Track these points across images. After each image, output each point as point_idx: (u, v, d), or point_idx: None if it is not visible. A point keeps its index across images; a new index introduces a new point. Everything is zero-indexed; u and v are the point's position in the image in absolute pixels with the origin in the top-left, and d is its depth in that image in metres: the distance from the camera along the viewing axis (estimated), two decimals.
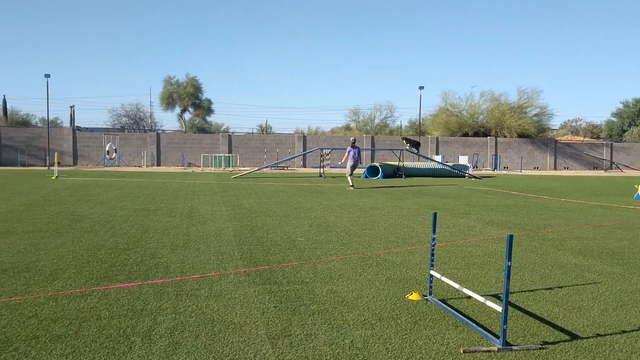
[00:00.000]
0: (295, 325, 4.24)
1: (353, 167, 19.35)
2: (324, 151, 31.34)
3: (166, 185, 19.29)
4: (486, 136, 46.19)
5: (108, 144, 37.96)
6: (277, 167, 36.56)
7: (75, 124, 46.29)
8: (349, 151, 19.44)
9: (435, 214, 5.02)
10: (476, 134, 47.83)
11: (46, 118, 42.48)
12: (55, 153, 29.02)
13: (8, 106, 55.89)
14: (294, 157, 36.05)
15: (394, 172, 27.56)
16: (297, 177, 26.74)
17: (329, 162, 33.83)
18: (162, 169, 35.94)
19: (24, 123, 55.63)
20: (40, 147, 38.41)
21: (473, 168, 34.61)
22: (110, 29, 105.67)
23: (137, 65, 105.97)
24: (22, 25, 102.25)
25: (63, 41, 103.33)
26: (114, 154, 37.89)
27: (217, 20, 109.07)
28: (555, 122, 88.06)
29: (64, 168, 34.09)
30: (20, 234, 8.25)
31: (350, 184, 18.88)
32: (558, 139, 54.53)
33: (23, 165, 37.57)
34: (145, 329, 4.12)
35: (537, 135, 47.80)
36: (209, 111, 64.41)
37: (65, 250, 7.06)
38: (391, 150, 32.50)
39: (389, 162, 29.53)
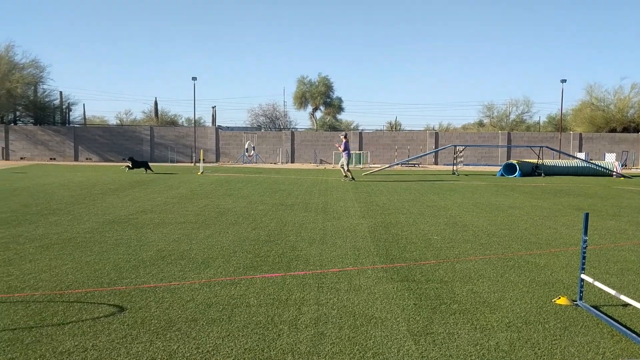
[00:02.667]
0: (437, 324, 4.21)
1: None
2: (457, 148, 30.59)
3: (300, 181, 19.94)
4: (637, 132, 42.29)
5: (247, 142, 40.00)
6: (409, 164, 36.29)
7: (217, 124, 49.30)
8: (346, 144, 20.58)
9: (587, 215, 4.71)
10: (625, 130, 43.98)
11: (191, 118, 45.69)
12: (201, 150, 31.14)
13: (159, 107, 60.91)
14: (426, 155, 35.55)
15: (532, 171, 26.19)
16: (429, 174, 26.36)
17: (462, 159, 32.94)
18: (296, 165, 37.18)
19: (173, 123, 60.27)
20: (187, 145, 41.42)
21: (622, 166, 31.86)
22: (246, 33, 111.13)
23: (272, 66, 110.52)
24: (171, 32, 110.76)
25: (207, 44, 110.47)
26: (252, 151, 39.85)
27: (348, 20, 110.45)
28: None
29: (208, 164, 36.46)
30: (174, 225, 8.99)
31: (347, 175, 20.49)
32: None
33: (172, 161, 40.76)
34: (291, 318, 4.31)
35: None
36: (340, 109, 65.43)
37: (213, 241, 7.58)
38: (529, 147, 30.91)
39: (526, 160, 28.08)
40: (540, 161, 26.97)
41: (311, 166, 36.51)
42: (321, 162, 40.28)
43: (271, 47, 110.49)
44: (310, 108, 64.35)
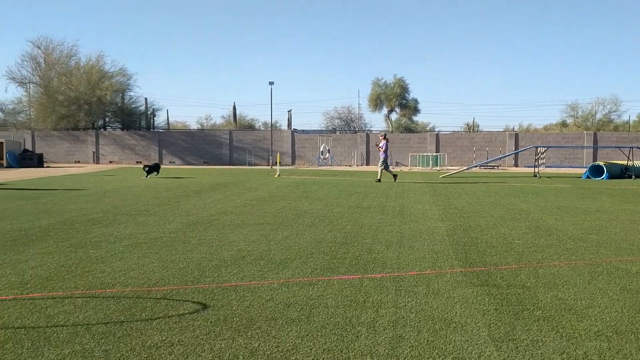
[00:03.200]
0: (520, 330, 4.09)
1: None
2: (539, 149, 29.47)
3: (376, 184, 19.87)
4: None
5: (322, 145, 40.34)
6: (487, 166, 35.34)
7: (293, 127, 50.04)
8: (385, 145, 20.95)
9: None
10: None
11: (268, 122, 46.62)
12: (277, 153, 31.72)
13: (237, 112, 62.64)
14: (506, 156, 34.51)
15: (621, 173, 24.79)
16: (509, 176, 25.55)
17: (544, 161, 31.69)
18: (371, 168, 37.09)
19: (250, 127, 61.75)
20: (264, 148, 42.30)
21: None
22: (322, 35, 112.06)
23: (348, 68, 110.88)
24: (249, 37, 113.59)
25: (283, 48, 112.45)
26: (327, 153, 40.14)
27: (425, 20, 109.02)
28: None
29: (284, 167, 37.07)
30: (253, 226, 9.21)
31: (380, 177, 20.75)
32: None
33: (250, 164, 41.75)
34: (369, 320, 4.32)
35: None
36: (415, 111, 64.68)
37: (291, 242, 7.71)
38: (618, 147, 29.30)
39: (615, 162, 26.64)
40: (630, 163, 25.51)
41: None
42: (397, 164, 39.96)
43: (346, 50, 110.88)
44: (385, 110, 64.05)
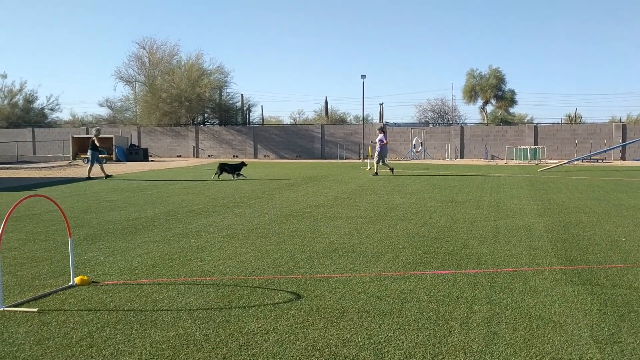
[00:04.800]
0: (625, 333, 3.87)
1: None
2: None
3: (471, 178, 19.38)
4: None
5: (414, 138, 39.84)
6: (591, 159, 33.40)
7: (384, 120, 49.76)
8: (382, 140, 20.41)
9: None
10: None
11: (359, 115, 46.64)
12: (369, 147, 31.70)
13: (328, 106, 63.18)
14: (612, 149, 32.43)
15: None
16: (615, 170, 24.01)
17: None
18: (465, 161, 36.19)
19: (342, 120, 62.10)
20: (355, 142, 42.41)
21: None
22: (413, 27, 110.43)
23: (440, 60, 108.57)
24: (340, 32, 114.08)
25: (374, 41, 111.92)
26: (420, 147, 39.59)
27: (520, 10, 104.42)
28: None
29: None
30: (344, 219, 9.30)
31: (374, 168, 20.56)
32: None
33: (341, 158, 42.04)
34: (462, 315, 4.25)
35: None
36: (512, 102, 62.19)
37: (383, 235, 7.71)
38: None
39: None
40: None
41: (481, 162, 35.26)
42: (492, 157, 38.70)
43: (439, 41, 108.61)
44: (480, 102, 62.12)
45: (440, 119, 60.58)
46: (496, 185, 15.93)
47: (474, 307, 4.45)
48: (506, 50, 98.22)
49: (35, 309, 4.43)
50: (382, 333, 3.89)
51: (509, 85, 65.53)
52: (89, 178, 19.19)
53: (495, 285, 5.12)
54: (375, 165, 20.93)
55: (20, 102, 56.68)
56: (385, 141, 20.73)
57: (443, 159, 39.73)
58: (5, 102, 55.95)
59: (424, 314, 4.30)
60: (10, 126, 52.62)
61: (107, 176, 19.73)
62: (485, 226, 8.51)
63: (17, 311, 4.42)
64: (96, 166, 19.61)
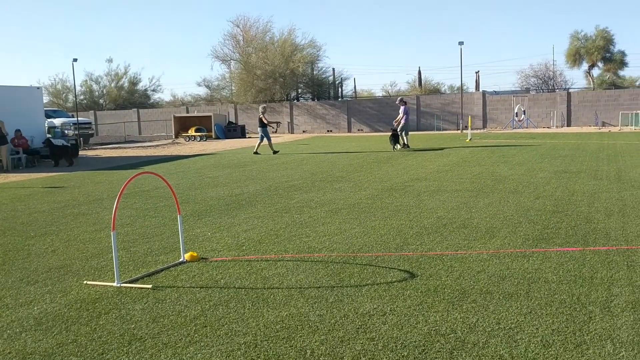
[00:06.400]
0: None
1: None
2: None
3: (582, 146, 18.06)
4: None
5: (517, 106, 37.89)
6: None
7: (481, 89, 47.72)
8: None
9: None
10: None
11: (454, 85, 45.07)
12: (469, 117, 30.50)
13: (422, 76, 61.47)
14: None
15: None
16: None
17: None
18: (573, 129, 33.97)
19: (437, 91, 60.32)
20: (453, 112, 41.00)
21: None
22: None
23: (539, 23, 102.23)
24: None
25: (467, 8, 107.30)
26: (523, 115, 37.62)
27: None
28: None
29: (475, 131, 35.60)
30: (450, 192, 8.85)
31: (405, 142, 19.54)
32: None
33: (438, 129, 40.86)
34: (601, 299, 3.80)
35: None
36: (622, 64, 57.45)
37: (494, 210, 7.23)
38: None
39: None
40: None
41: (592, 129, 32.93)
42: (604, 124, 36.05)
43: (538, 3, 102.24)
44: (585, 65, 57.93)
45: (545, 84, 57.19)
46: (613, 154, 14.69)
47: (612, 290, 3.97)
48: (615, 8, 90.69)
49: (150, 286, 4.47)
50: (511, 317, 3.54)
51: (619, 46, 60.71)
52: (256, 153, 19.77)
53: (633, 264, 4.57)
54: (404, 137, 20.13)
55: (126, 84, 59.76)
56: (407, 114, 20.04)
57: (548, 127, 37.53)
58: (112, 85, 59.25)
59: (556, 296, 3.89)
60: (117, 108, 55.72)
61: (275, 152, 20.14)
62: (608, 198, 7.77)
63: (132, 287, 4.48)
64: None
